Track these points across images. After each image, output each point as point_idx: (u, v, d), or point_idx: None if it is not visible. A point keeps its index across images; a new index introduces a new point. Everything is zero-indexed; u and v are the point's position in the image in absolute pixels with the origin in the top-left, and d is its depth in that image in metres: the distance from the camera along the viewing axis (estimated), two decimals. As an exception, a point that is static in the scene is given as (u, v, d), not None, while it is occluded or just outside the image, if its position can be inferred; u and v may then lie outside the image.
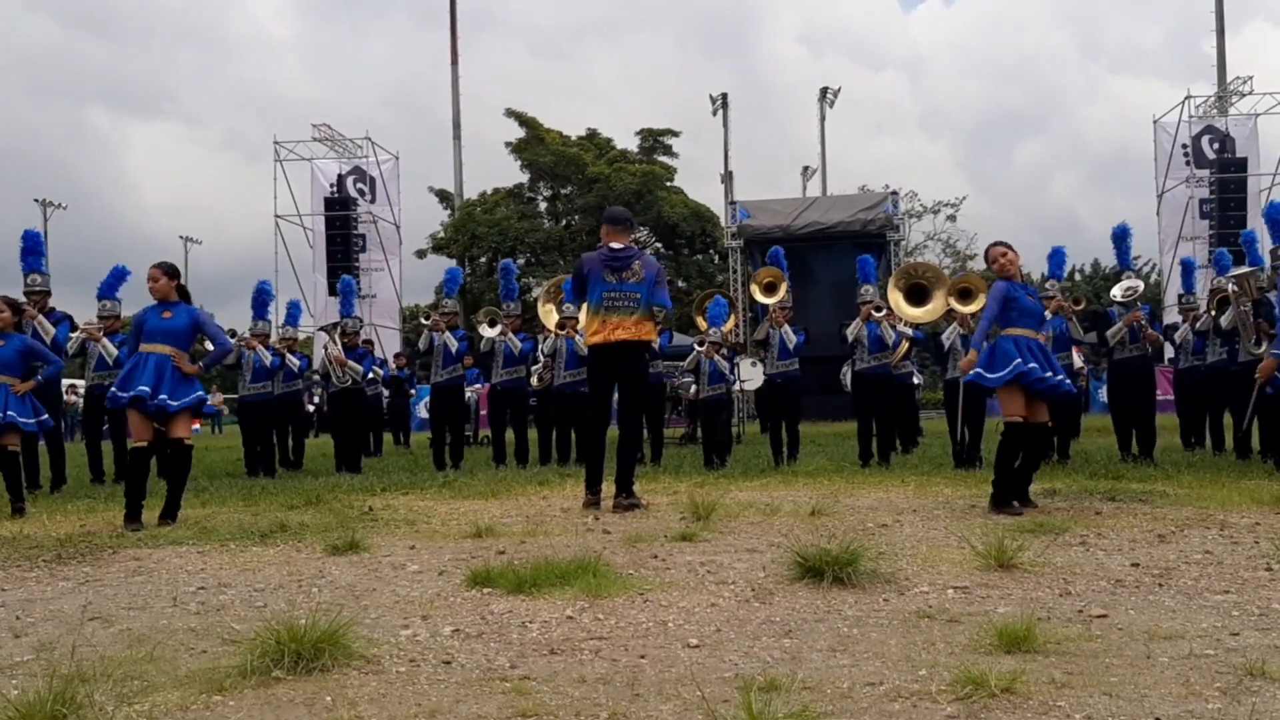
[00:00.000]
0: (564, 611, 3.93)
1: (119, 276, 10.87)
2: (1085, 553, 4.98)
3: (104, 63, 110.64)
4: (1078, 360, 10.16)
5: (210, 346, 7.58)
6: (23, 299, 9.51)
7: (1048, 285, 10.79)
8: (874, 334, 10.50)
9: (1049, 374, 6.63)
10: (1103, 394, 20.65)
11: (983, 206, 78.39)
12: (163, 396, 6.86)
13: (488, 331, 12.03)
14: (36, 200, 45.53)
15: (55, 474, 10.02)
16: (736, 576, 4.55)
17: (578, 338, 11.11)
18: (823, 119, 37.74)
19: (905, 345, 11.69)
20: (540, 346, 12.28)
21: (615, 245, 7.41)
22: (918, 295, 10.82)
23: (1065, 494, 7.35)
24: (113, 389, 7.12)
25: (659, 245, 42.37)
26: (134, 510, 6.87)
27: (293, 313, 13.84)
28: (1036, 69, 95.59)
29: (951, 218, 48.33)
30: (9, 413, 7.58)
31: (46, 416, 8.18)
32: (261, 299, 11.99)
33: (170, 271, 7.23)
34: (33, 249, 10.13)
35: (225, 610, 4.14)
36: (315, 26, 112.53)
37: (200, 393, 7.16)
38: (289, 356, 12.18)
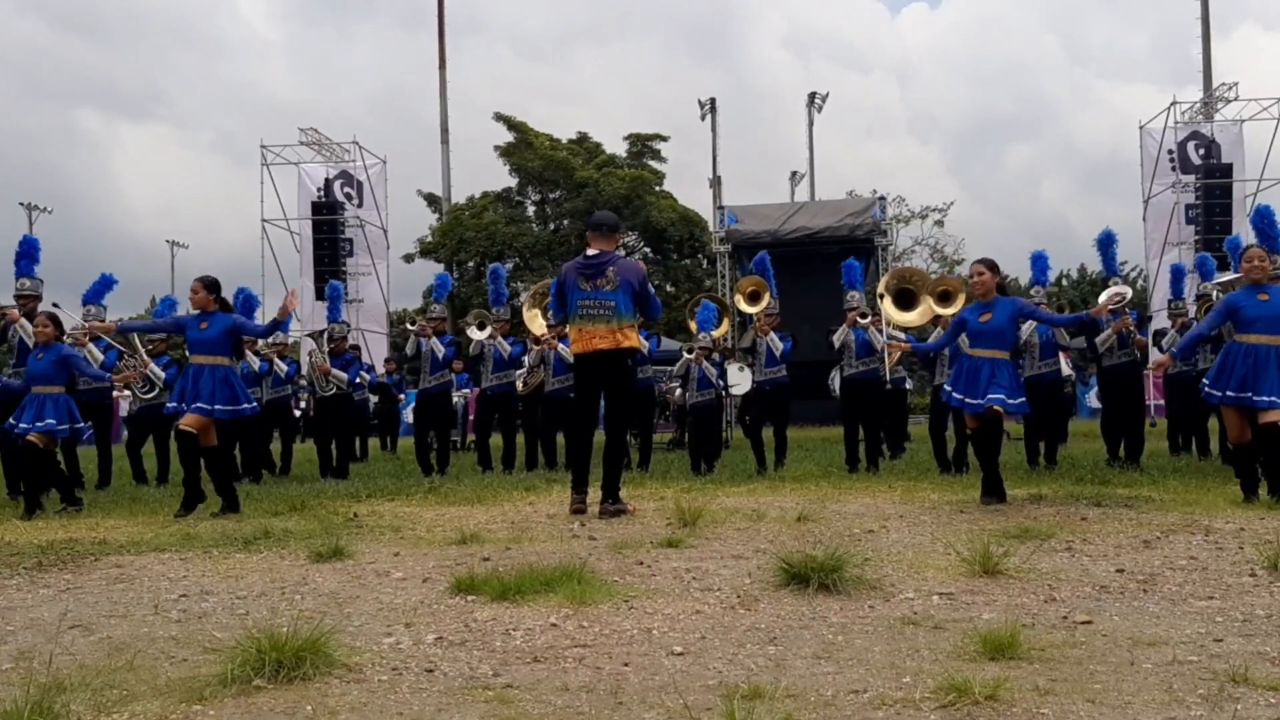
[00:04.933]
0: (548, 619, 3.91)
1: (106, 284, 10.85)
2: (1070, 559, 4.98)
3: (94, 64, 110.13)
4: (1065, 367, 10.19)
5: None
6: (11, 303, 9.50)
7: (1032, 291, 10.82)
8: (861, 339, 10.49)
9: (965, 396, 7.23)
10: (1090, 399, 20.75)
11: (973, 212, 78.52)
12: (204, 405, 7.65)
13: (476, 334, 12.01)
14: (22, 204, 45.23)
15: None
16: (722, 583, 4.54)
17: (561, 346, 11.10)
18: (810, 124, 37.82)
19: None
20: (528, 354, 12.26)
21: (591, 252, 7.38)
22: (906, 300, 10.82)
23: (1051, 499, 7.36)
24: (171, 401, 7.93)
25: (647, 250, 42.37)
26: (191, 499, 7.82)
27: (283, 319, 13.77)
28: (1025, 74, 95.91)
29: (939, 223, 48.42)
30: (47, 420, 8.11)
31: (83, 424, 8.72)
32: (247, 305, 11.93)
33: (210, 285, 7.93)
34: (26, 254, 10.09)
35: (207, 618, 4.11)
36: (302, 29, 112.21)
37: (242, 405, 7.83)
38: (277, 362, 12.13)
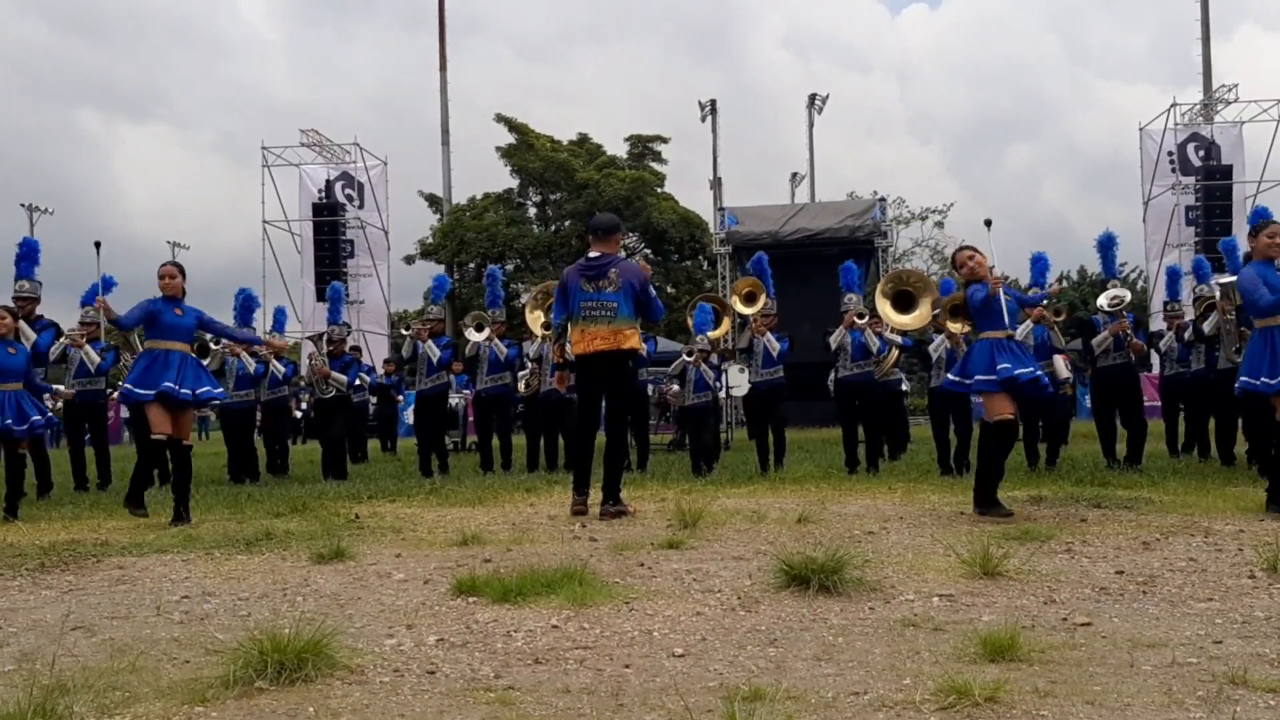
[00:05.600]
0: (549, 620, 3.92)
1: (105, 286, 10.84)
2: (1070, 560, 4.99)
3: (95, 64, 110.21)
4: (1064, 369, 10.18)
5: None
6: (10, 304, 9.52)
7: (1030, 294, 10.82)
8: (858, 341, 10.51)
9: (1030, 369, 6.75)
10: (1089, 400, 20.75)
11: (974, 212, 78.48)
12: (185, 391, 7.35)
13: (474, 336, 12.04)
14: (23, 205, 45.18)
15: (41, 480, 10.00)
16: (723, 585, 4.55)
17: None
18: (811, 125, 37.88)
19: (894, 353, 11.70)
20: (526, 352, 12.29)
21: (593, 254, 7.42)
22: (905, 302, 10.83)
23: (1051, 501, 7.37)
24: (127, 385, 7.49)
25: (648, 251, 42.41)
26: (138, 495, 7.59)
27: (279, 320, 13.84)
28: (1025, 74, 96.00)
29: (939, 224, 48.50)
30: (5, 421, 7.89)
31: (38, 418, 8.23)
32: (247, 305, 11.96)
33: (183, 271, 7.74)
34: (26, 256, 10.14)
35: (209, 620, 4.12)
36: (302, 29, 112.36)
37: (219, 390, 7.67)
38: (274, 363, 12.14)
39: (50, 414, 8.44)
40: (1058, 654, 3.33)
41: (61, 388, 10.51)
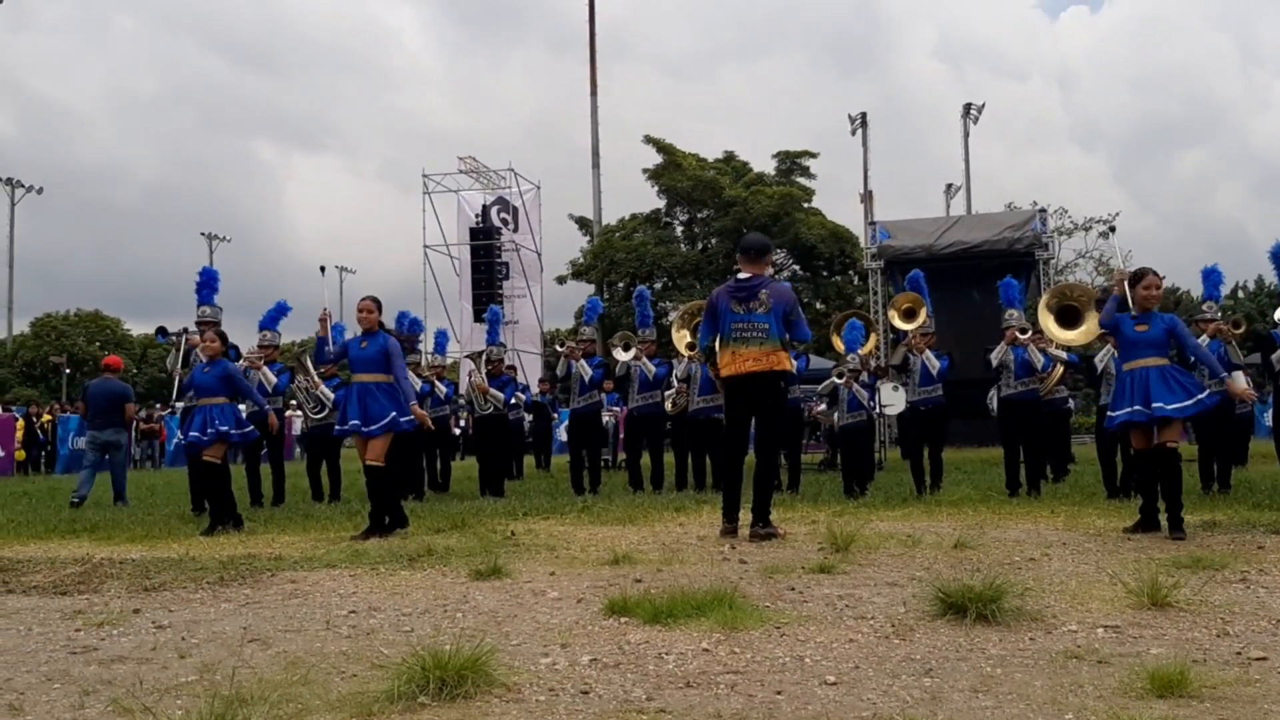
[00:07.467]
0: (700, 644, 3.94)
1: (281, 310, 11.53)
2: (1245, 590, 4.74)
3: (270, 97, 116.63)
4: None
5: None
6: (194, 328, 10.16)
7: (1205, 307, 10.32)
8: (1021, 358, 10.18)
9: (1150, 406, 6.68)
10: (1268, 418, 19.56)
11: (1144, 222, 75.25)
12: (354, 422, 7.94)
13: (621, 355, 12.22)
14: (203, 234, 48.09)
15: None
16: (876, 611, 4.49)
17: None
18: (966, 135, 37.05)
19: (1059, 370, 11.31)
20: (675, 371, 12.37)
21: (743, 275, 7.41)
22: (1070, 317, 10.43)
23: (1226, 526, 7.00)
24: (339, 424, 8.42)
25: (796, 267, 42.13)
26: (379, 523, 7.85)
27: (440, 341, 14.33)
28: (1194, 76, 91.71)
29: (1104, 234, 46.59)
30: (209, 430, 8.52)
31: (252, 429, 9.13)
32: (413, 329, 12.46)
33: (379, 306, 8.28)
34: (207, 284, 10.80)
35: (374, 634, 4.29)
36: (459, 59, 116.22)
37: (393, 415, 7.93)
38: (436, 383, 12.58)
39: (246, 428, 8.97)
40: (1230, 690, 3.18)
41: (242, 407, 11.13)
